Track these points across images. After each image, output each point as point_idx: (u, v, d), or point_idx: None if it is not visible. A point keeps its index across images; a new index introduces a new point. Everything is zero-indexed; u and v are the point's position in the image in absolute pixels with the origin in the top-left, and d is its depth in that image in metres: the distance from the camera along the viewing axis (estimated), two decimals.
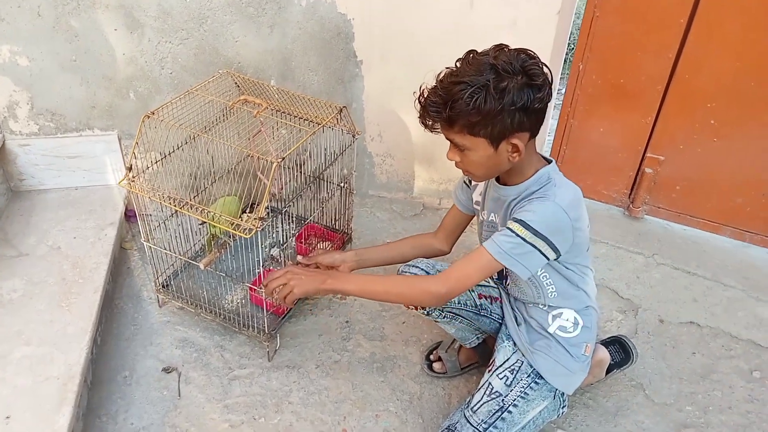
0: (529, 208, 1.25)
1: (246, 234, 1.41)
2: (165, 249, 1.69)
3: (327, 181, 1.89)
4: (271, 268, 1.84)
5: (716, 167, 2.09)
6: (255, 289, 1.69)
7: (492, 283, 1.59)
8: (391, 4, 1.92)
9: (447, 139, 1.28)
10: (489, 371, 1.46)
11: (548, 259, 1.27)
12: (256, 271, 1.73)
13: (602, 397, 1.70)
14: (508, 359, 1.45)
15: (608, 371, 1.66)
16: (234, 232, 1.44)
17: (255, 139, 1.60)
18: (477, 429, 1.37)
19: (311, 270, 1.41)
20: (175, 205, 1.51)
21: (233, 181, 1.97)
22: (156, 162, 1.64)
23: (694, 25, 1.88)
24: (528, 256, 1.24)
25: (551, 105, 2.22)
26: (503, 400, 1.39)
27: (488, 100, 1.15)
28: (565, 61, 2.20)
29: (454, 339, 1.74)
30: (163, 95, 1.96)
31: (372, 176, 2.34)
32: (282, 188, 1.65)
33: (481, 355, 1.72)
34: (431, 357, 1.76)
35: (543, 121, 1.25)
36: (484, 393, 1.41)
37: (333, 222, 1.99)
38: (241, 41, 1.93)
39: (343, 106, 1.71)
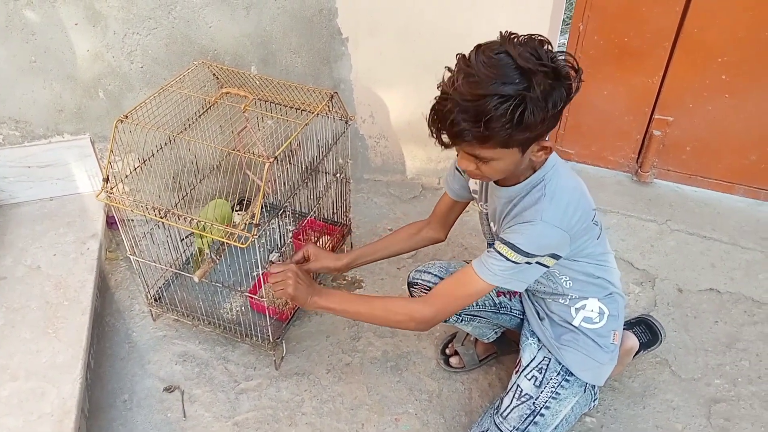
0: (518, 229, 1.13)
1: (242, 244, 1.29)
2: (153, 261, 1.57)
3: (322, 173, 1.76)
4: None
5: (728, 124, 1.98)
6: (255, 297, 1.57)
7: None
8: None
9: (467, 153, 1.09)
10: (516, 372, 1.37)
11: (548, 267, 1.18)
12: (254, 275, 1.61)
13: (628, 378, 1.63)
14: (534, 358, 1.36)
15: (635, 354, 1.58)
16: (229, 242, 1.32)
17: (241, 135, 1.46)
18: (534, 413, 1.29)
19: (308, 279, 1.30)
20: (160, 216, 1.38)
21: (221, 177, 1.83)
22: (135, 168, 1.51)
23: None
24: (522, 273, 1.15)
25: None
26: (534, 402, 1.30)
27: (535, 111, 0.98)
28: (563, 22, 2.06)
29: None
30: (135, 92, 1.81)
31: (366, 159, 2.21)
32: (274, 188, 1.53)
33: (500, 346, 1.63)
34: (447, 351, 1.67)
35: None
36: (514, 396, 1.32)
37: (331, 214, 1.88)
38: (216, 26, 1.77)
39: (334, 92, 1.57)
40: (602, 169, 2.25)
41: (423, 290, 1.43)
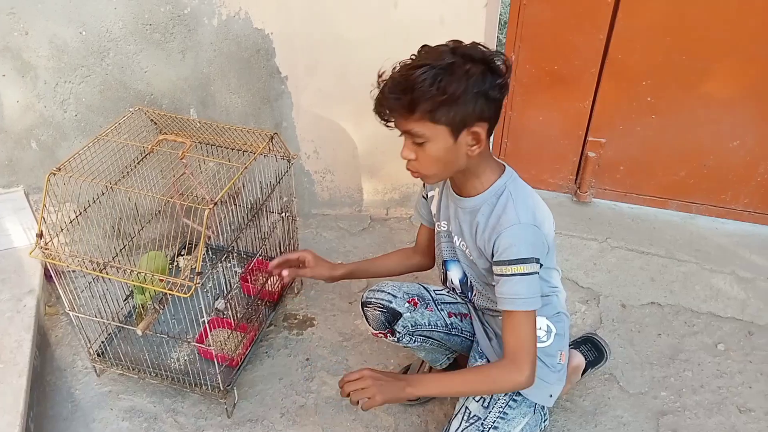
0: (506, 242, 1.19)
1: (185, 293, 1.27)
2: (93, 316, 1.52)
3: (267, 212, 1.75)
4: (215, 317, 1.69)
5: (657, 143, 2.08)
6: (202, 346, 1.54)
7: (459, 299, 1.50)
8: (311, 13, 1.79)
9: (403, 132, 1.17)
10: None
11: (538, 274, 1.22)
12: (201, 322, 1.58)
13: (578, 396, 1.66)
14: None
15: (583, 372, 1.62)
16: (171, 292, 1.29)
17: (178, 182, 1.44)
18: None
19: (387, 373, 1.26)
20: (98, 271, 1.34)
21: (163, 223, 1.80)
22: (71, 221, 1.47)
23: (621, 5, 1.85)
24: (534, 284, 1.20)
25: None
26: (482, 423, 1.31)
27: (453, 80, 1.08)
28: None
29: (423, 361, 1.66)
30: (69, 141, 1.76)
31: (313, 194, 2.21)
32: (216, 233, 1.51)
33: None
34: None
35: (500, 115, 1.19)
36: (462, 419, 1.33)
37: (278, 253, 1.86)
38: (151, 71, 1.75)
39: (275, 133, 1.58)
40: (543, 191, 2.31)
41: (377, 308, 1.44)
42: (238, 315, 1.61)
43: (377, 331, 1.47)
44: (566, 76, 2.02)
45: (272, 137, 1.57)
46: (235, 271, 1.86)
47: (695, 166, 2.08)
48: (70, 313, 1.50)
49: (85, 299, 1.54)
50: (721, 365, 1.74)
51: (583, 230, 2.16)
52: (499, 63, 1.13)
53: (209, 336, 1.47)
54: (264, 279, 1.75)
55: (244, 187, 1.76)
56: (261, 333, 1.72)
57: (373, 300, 1.46)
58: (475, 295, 1.44)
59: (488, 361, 1.41)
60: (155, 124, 1.67)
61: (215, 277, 1.81)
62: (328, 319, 1.87)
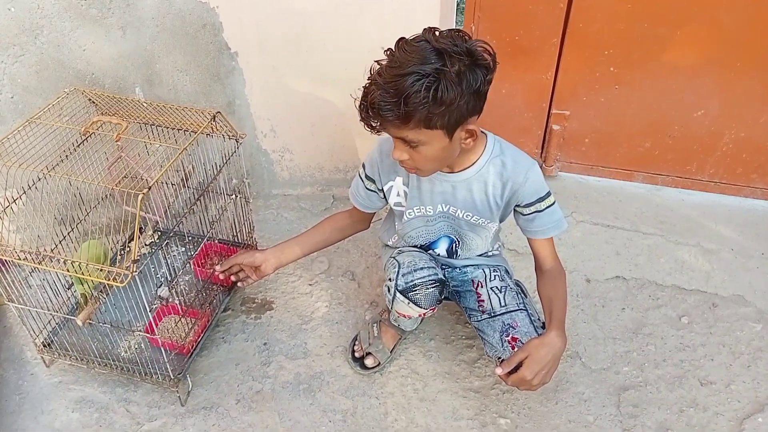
0: (531, 185, 1.31)
1: (120, 283, 1.22)
2: (36, 307, 1.46)
3: (218, 193, 1.69)
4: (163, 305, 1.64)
5: (621, 114, 2.04)
6: (149, 335, 1.49)
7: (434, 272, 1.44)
8: None
9: (396, 138, 1.19)
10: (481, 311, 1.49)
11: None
12: (151, 308, 1.54)
13: None
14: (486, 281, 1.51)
15: None
16: (107, 282, 1.24)
17: (115, 166, 1.38)
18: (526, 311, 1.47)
19: (544, 345, 1.32)
20: (33, 261, 1.28)
21: (110, 208, 1.74)
22: (5, 208, 1.40)
23: None
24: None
25: None
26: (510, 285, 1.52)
27: (447, 87, 1.06)
28: (456, 24, 2.06)
29: (373, 326, 1.66)
30: (7, 124, 1.68)
31: (272, 174, 2.15)
32: (162, 216, 1.45)
33: (401, 331, 1.67)
34: (356, 355, 1.65)
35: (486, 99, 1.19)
36: (499, 300, 1.47)
37: (232, 236, 1.81)
38: (90, 49, 1.67)
39: (217, 112, 1.51)
40: None
41: (430, 286, 1.38)
42: (186, 301, 1.57)
43: (425, 310, 1.42)
44: (528, 46, 1.96)
45: (215, 116, 1.50)
46: (190, 255, 1.80)
47: (660, 137, 2.05)
48: (10, 304, 1.45)
49: (31, 289, 1.48)
50: (684, 338, 1.72)
51: None
52: (482, 52, 1.12)
53: (158, 324, 1.42)
54: (216, 263, 1.70)
55: (194, 169, 1.69)
56: (216, 318, 1.68)
57: (418, 281, 1.38)
58: (458, 256, 1.53)
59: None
60: (95, 104, 1.59)
61: (168, 262, 1.75)
62: (288, 302, 1.83)
